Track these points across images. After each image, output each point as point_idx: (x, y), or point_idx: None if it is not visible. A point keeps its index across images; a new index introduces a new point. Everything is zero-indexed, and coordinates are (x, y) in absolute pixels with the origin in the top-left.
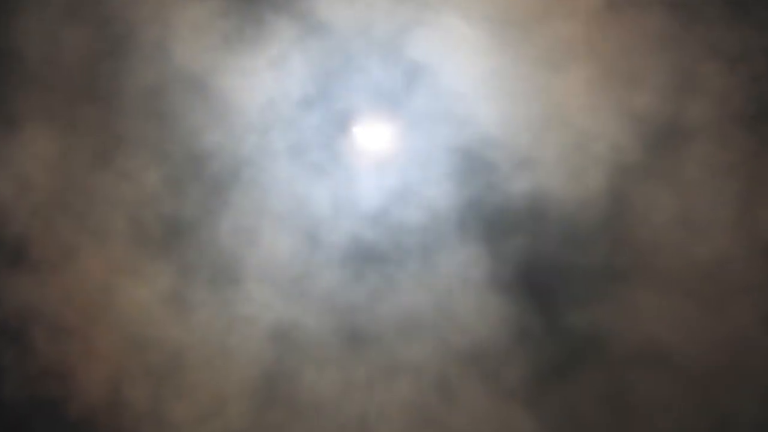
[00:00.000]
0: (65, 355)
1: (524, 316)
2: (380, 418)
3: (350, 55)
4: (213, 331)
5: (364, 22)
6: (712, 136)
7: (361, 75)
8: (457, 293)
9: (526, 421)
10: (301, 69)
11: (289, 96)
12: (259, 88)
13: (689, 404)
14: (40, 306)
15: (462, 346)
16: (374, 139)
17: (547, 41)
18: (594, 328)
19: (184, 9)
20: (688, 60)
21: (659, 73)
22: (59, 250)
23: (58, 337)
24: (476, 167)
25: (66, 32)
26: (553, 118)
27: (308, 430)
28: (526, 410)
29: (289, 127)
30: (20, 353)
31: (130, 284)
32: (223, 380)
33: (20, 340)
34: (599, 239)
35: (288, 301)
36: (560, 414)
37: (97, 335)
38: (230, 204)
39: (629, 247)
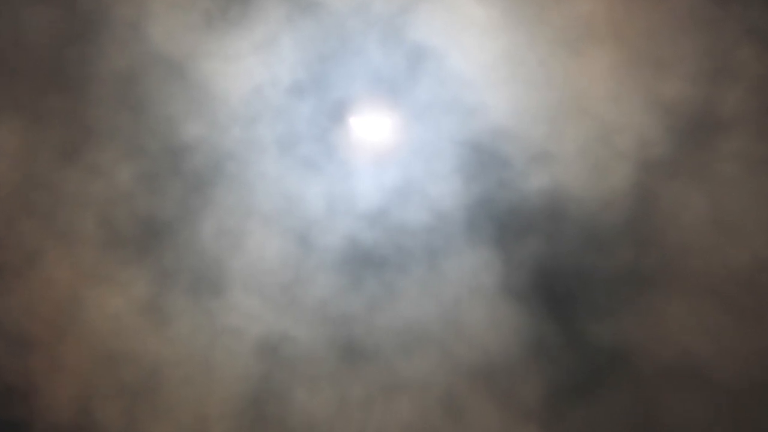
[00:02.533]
0: (29, 370)
1: (540, 327)
2: None
3: (346, 37)
4: (194, 344)
5: (361, 0)
6: (749, 128)
7: (359, 59)
8: (465, 302)
9: None
10: (292, 53)
11: (278, 83)
12: (245, 74)
13: (725, 424)
14: (1, 316)
15: (471, 360)
16: (373, 130)
17: (565, 21)
18: (618, 340)
19: None
20: (723, 43)
21: (690, 57)
22: (22, 254)
23: (21, 351)
24: (487, 162)
25: (31, 12)
26: (572, 107)
27: None
28: None
29: (278, 117)
30: None
31: (102, 292)
32: (206, 399)
33: None
34: (623, 242)
35: (277, 311)
36: None
37: (65, 349)
38: (213, 203)
39: (657, 250)
